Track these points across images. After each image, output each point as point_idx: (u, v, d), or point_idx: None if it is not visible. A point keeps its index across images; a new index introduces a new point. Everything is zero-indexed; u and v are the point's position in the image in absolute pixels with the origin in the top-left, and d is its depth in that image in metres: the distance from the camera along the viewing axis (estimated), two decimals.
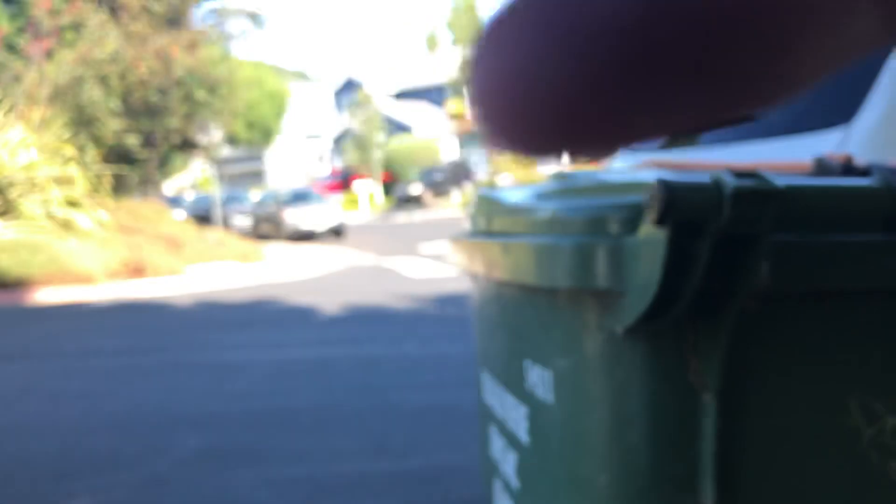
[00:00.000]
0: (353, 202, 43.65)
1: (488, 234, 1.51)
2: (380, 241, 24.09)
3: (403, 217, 37.82)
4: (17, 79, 18.95)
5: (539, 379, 1.29)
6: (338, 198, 40.73)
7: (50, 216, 15.73)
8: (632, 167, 2.39)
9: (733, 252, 0.97)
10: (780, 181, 0.96)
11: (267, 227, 29.31)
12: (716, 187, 0.94)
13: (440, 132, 47.27)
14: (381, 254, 19.51)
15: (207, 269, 16.54)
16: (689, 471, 1.09)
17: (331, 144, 53.01)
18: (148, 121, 20.93)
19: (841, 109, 2.22)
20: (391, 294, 11.91)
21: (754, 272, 0.98)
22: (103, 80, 19.46)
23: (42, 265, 13.98)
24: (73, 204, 16.32)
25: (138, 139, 20.17)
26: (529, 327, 1.34)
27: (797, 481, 1.13)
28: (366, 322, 9.90)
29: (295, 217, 27.51)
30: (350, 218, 34.36)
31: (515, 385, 1.42)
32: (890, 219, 1.01)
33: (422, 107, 51.89)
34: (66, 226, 15.92)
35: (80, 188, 16.58)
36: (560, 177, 1.70)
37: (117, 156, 20.83)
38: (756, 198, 0.94)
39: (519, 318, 1.40)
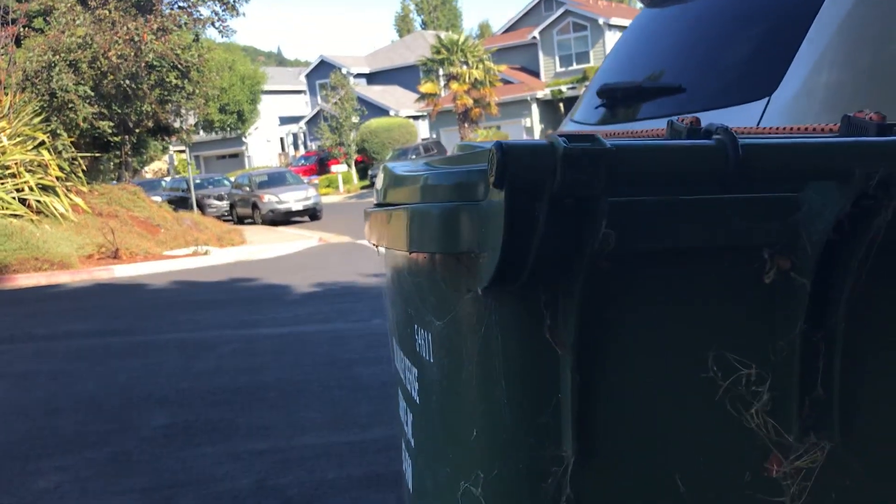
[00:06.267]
0: (329, 184, 43.45)
1: (383, 204, 1.56)
2: (355, 221, 24.04)
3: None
4: None
5: (423, 341, 1.34)
6: (313, 180, 40.56)
7: (23, 202, 15.63)
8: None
9: (572, 213, 1.01)
10: (612, 143, 1.00)
11: (243, 210, 29.27)
12: (550, 150, 0.98)
13: (414, 112, 47.02)
14: (355, 234, 19.50)
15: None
16: (551, 423, 1.14)
17: (305, 127, 52.53)
18: (120, 106, 20.73)
19: (763, 82, 2.33)
20: (362, 272, 11.93)
21: (595, 232, 1.02)
22: (74, 66, 19.24)
23: (16, 250, 13.88)
24: (46, 189, 16.21)
25: (111, 124, 19.98)
26: (414, 292, 1.38)
27: (655, 431, 1.17)
28: (336, 299, 9.93)
29: (271, 200, 27.46)
30: (326, 199, 34.27)
31: (409, 348, 1.47)
32: (725, 178, 1.06)
33: (395, 87, 51.51)
34: (40, 211, 15.83)
35: (53, 174, 16.47)
36: (463, 147, 1.74)
37: (90, 141, 20.66)
38: (586, 160, 0.97)
39: (407, 284, 1.44)
